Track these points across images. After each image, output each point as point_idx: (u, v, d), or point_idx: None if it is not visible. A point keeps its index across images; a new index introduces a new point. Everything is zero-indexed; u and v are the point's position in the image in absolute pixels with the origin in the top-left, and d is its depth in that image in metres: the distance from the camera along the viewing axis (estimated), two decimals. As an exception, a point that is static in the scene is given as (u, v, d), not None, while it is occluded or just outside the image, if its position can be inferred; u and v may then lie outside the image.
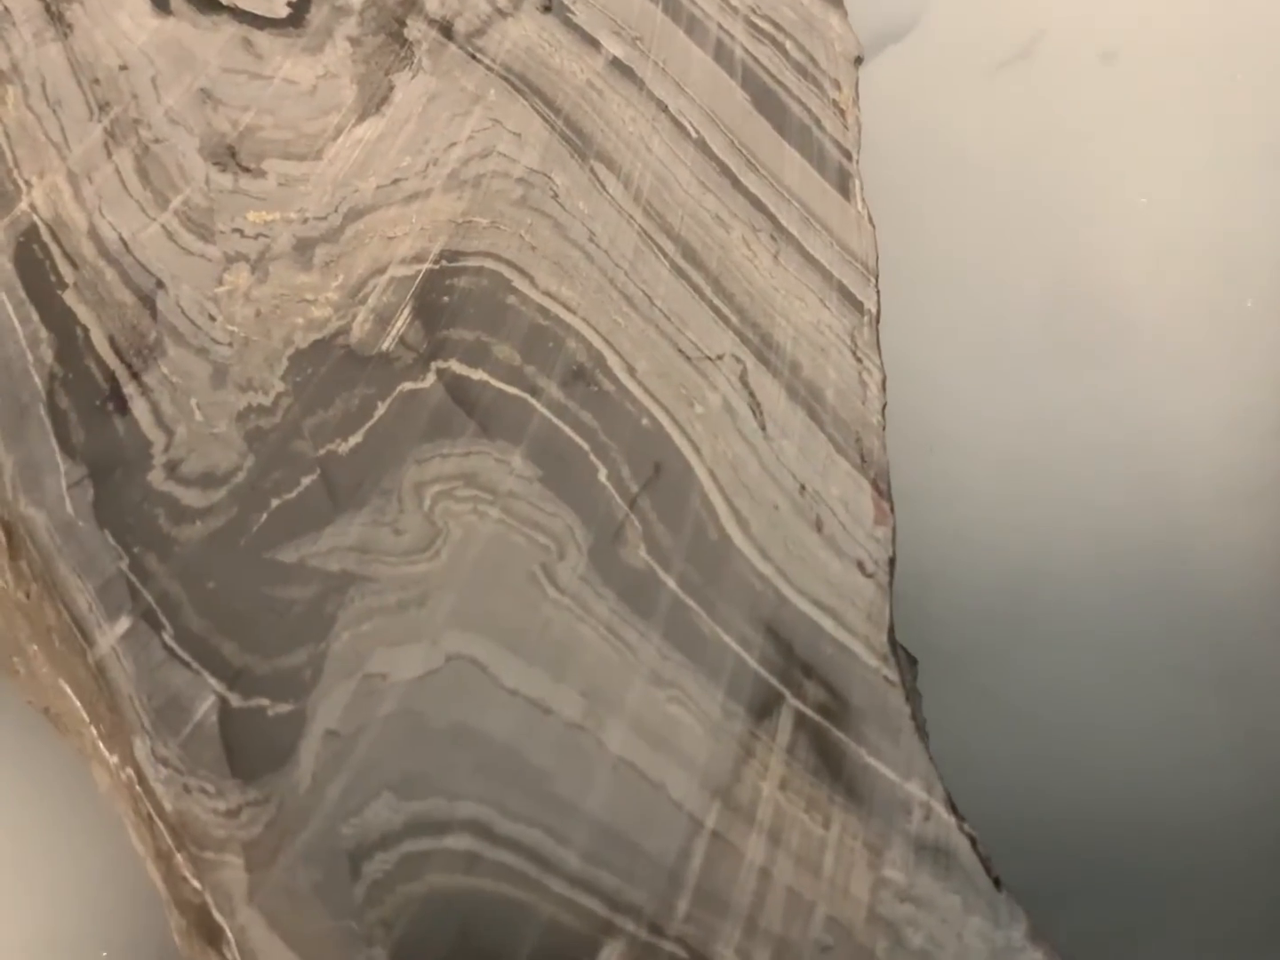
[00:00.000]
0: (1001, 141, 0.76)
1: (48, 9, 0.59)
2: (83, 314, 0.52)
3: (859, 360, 0.58)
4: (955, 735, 0.56)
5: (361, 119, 0.58)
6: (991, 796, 0.55)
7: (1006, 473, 0.68)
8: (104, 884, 0.58)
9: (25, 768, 0.59)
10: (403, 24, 0.60)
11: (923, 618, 0.62)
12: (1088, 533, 0.67)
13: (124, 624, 0.47)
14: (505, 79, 0.60)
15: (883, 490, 0.55)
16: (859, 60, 0.68)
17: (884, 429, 0.56)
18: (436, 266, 0.55)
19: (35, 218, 0.53)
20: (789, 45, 0.66)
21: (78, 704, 0.50)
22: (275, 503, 0.50)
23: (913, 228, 0.68)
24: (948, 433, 0.67)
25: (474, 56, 0.60)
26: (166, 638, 0.47)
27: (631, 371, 0.55)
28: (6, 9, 0.59)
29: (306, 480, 0.50)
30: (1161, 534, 0.68)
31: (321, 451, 0.51)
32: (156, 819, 0.46)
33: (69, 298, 0.52)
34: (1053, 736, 0.64)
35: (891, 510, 0.54)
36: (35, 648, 0.53)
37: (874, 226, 0.62)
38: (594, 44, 0.62)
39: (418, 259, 0.55)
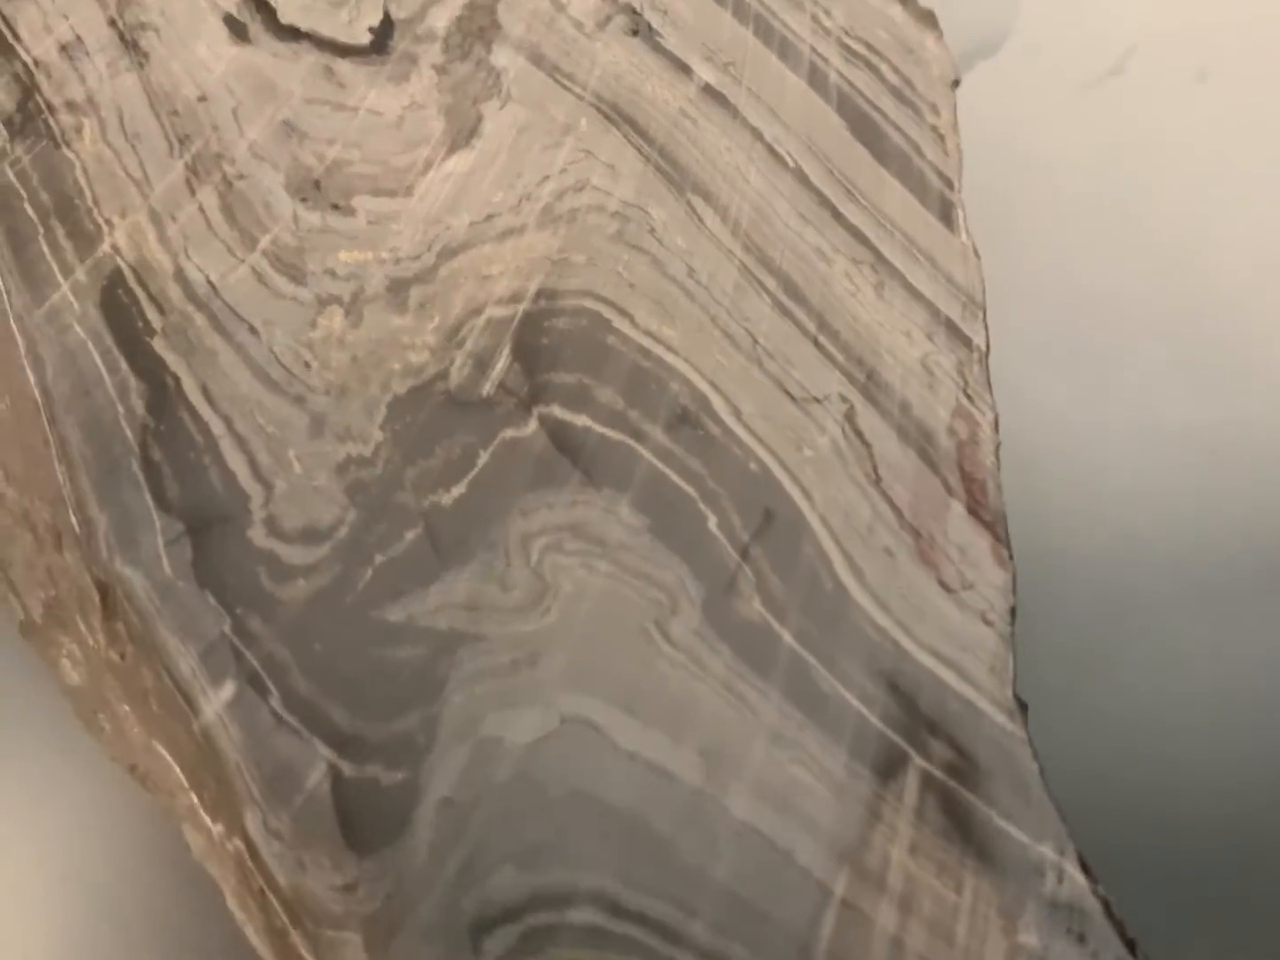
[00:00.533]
0: (1094, 159, 0.74)
1: (122, 37, 0.57)
2: (172, 361, 0.50)
3: (970, 399, 0.56)
4: (1063, 766, 0.54)
5: (451, 152, 0.56)
6: (1100, 827, 0.53)
7: (1108, 494, 0.66)
8: (192, 932, 0.56)
9: (110, 818, 0.58)
10: (488, 50, 0.58)
11: (1025, 644, 0.60)
12: (1193, 553, 0.66)
13: (229, 689, 0.45)
14: (596, 107, 0.58)
15: (1000, 536, 0.53)
16: (956, 83, 0.66)
17: (999, 470, 0.55)
18: (534, 307, 0.53)
19: (119, 260, 0.52)
20: (884, 68, 0.64)
21: (176, 769, 0.48)
22: (380, 558, 0.48)
23: (1003, 245, 0.66)
24: (1049, 455, 0.65)
25: (563, 84, 0.58)
26: (274, 703, 0.45)
27: (737, 414, 0.53)
28: (79, 37, 0.57)
29: (410, 534, 0.49)
30: (1271, 554, 0.66)
31: (425, 503, 0.49)
32: (270, 894, 0.44)
33: (157, 345, 0.50)
34: (1159, 764, 0.62)
35: (1011, 557, 0.52)
36: (126, 708, 0.51)
37: (979, 258, 0.60)
38: (685, 70, 0.60)
39: (515, 299, 0.53)
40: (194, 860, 0.52)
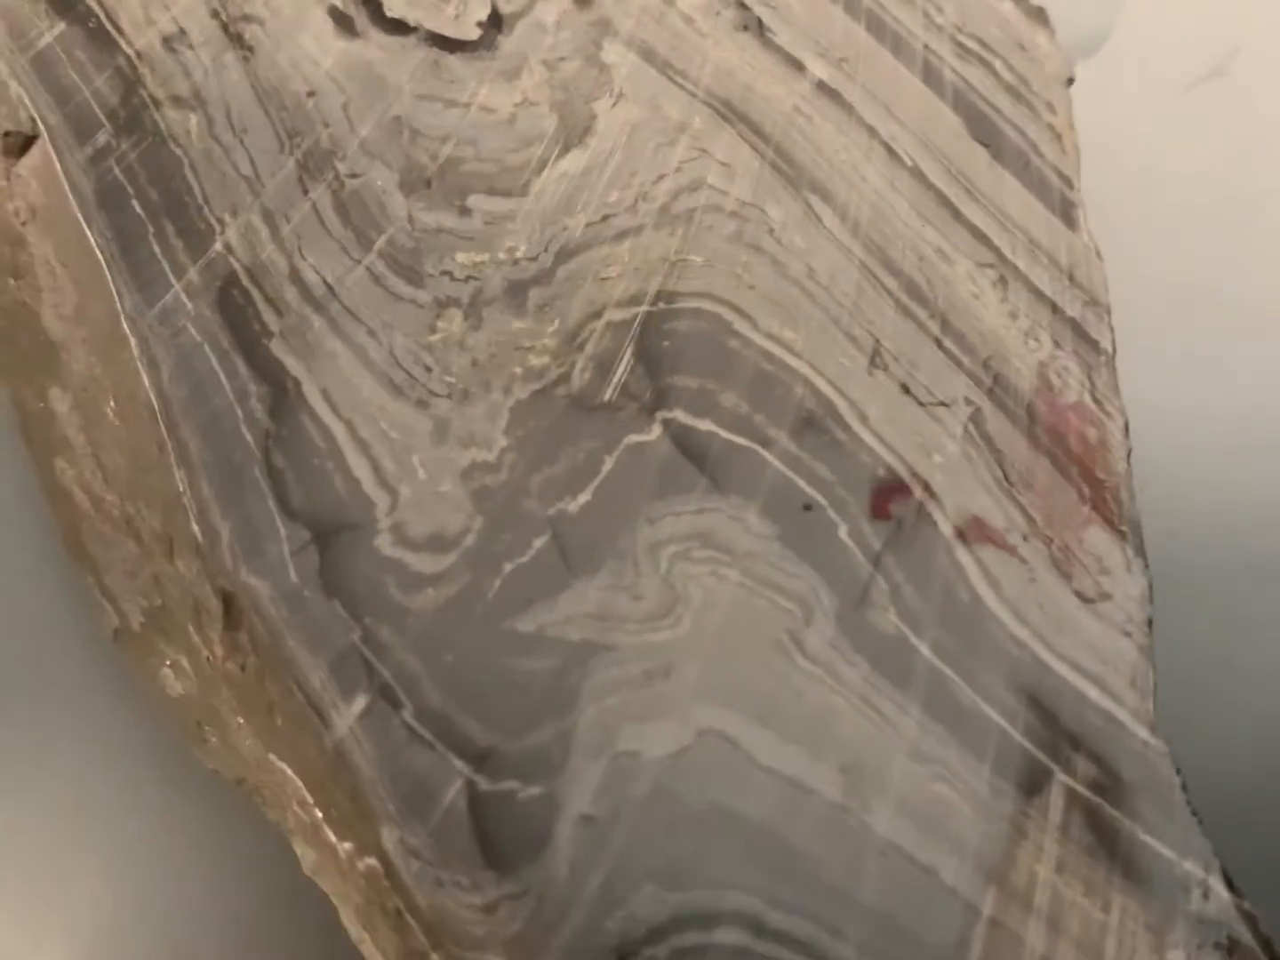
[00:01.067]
0: (1197, 160, 0.72)
1: (225, 29, 0.55)
2: (292, 365, 0.48)
3: (1099, 404, 0.55)
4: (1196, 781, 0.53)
5: (565, 150, 0.54)
6: (1236, 840, 0.52)
7: (1223, 504, 0.64)
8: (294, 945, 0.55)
9: (208, 830, 0.56)
10: (598, 46, 0.57)
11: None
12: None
13: (361, 702, 0.44)
14: (709, 105, 0.57)
15: (1135, 544, 0.52)
16: (1070, 81, 0.65)
17: (1131, 476, 0.53)
18: (654, 309, 0.52)
19: (232, 260, 0.50)
20: (998, 65, 0.63)
21: (299, 784, 0.47)
22: (508, 567, 0.47)
23: (1107, 247, 0.65)
24: (1161, 465, 0.63)
25: (675, 81, 0.57)
26: (406, 716, 0.44)
27: (864, 419, 0.52)
28: (182, 29, 0.55)
29: (538, 542, 0.47)
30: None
31: (551, 511, 0.48)
32: (408, 915, 0.43)
33: (276, 347, 0.49)
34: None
35: (1147, 565, 0.51)
36: (240, 720, 0.49)
37: (1102, 259, 0.58)
38: (798, 66, 0.59)
39: (634, 301, 0.52)
40: (303, 876, 0.51)
